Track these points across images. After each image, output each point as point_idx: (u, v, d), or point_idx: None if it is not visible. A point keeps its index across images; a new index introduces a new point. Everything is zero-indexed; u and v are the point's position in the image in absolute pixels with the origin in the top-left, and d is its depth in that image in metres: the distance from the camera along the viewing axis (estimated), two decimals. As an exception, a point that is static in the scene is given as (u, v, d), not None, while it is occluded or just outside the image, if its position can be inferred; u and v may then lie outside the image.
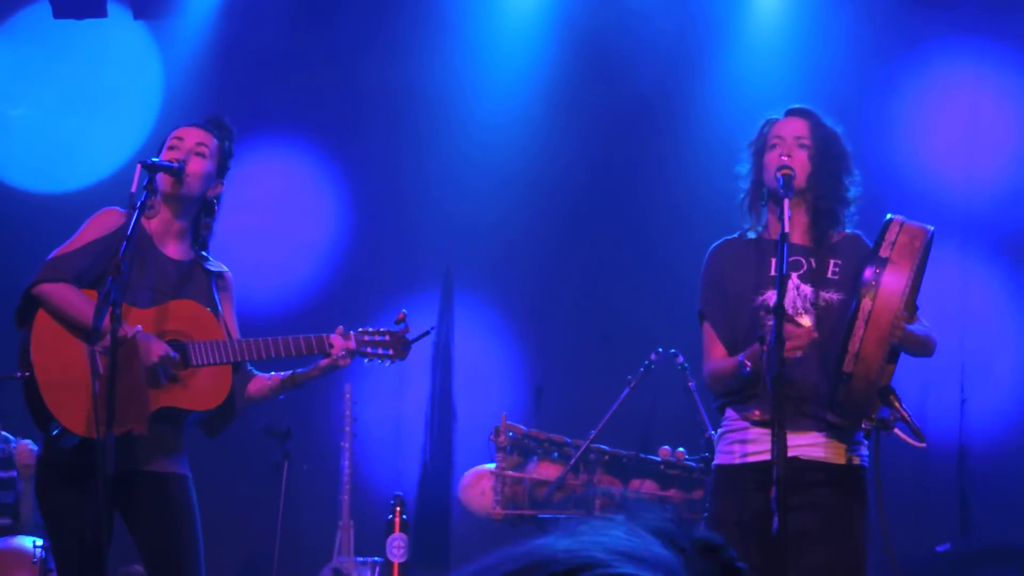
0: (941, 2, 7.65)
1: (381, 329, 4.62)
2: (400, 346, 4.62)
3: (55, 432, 4.36)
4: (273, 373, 4.64)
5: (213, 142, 4.60)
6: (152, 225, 4.54)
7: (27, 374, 4.40)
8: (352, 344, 4.53)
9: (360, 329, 4.58)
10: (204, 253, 4.66)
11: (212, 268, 4.64)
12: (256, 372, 4.64)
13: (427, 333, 4.72)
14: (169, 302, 4.48)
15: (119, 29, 8.10)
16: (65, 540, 4.38)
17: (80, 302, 4.36)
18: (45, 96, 8.12)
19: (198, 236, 4.64)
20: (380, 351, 4.59)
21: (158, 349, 4.32)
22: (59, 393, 4.35)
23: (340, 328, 4.55)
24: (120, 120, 8.00)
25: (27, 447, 6.50)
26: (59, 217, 5.57)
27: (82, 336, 4.26)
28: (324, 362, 4.53)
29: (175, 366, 4.38)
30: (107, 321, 4.07)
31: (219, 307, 4.60)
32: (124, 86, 8.08)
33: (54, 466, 4.41)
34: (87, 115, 8.05)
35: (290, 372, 4.61)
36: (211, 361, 4.43)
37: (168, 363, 4.34)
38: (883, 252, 3.98)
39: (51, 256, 4.48)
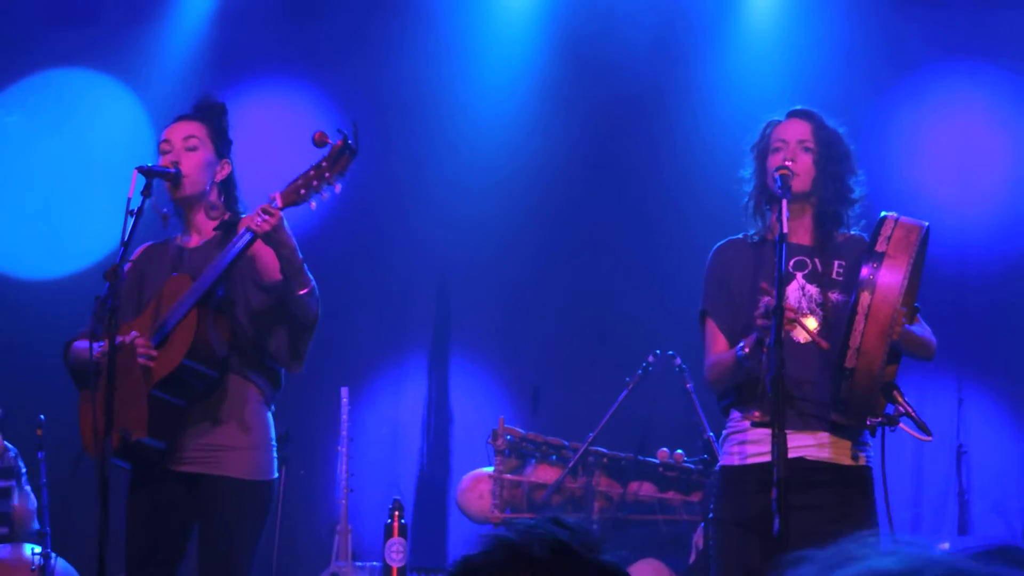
0: (932, 27, 7.64)
1: (311, 165, 4.24)
2: (334, 160, 4.21)
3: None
4: None
5: (202, 129, 4.51)
6: (183, 234, 4.55)
7: (83, 451, 4.38)
8: (268, 203, 4.18)
9: (288, 183, 4.25)
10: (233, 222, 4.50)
11: (226, 227, 4.48)
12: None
13: (349, 133, 4.22)
14: (159, 291, 4.41)
15: (109, 97, 8.13)
16: (134, 547, 4.33)
17: (84, 343, 4.35)
18: (36, 179, 8.11)
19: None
20: (315, 183, 4.22)
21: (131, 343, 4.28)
22: (85, 426, 4.37)
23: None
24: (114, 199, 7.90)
25: (25, 507, 6.48)
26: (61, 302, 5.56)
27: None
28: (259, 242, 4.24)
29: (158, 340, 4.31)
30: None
31: (239, 261, 4.33)
32: (116, 160, 8.03)
33: (135, 476, 4.38)
34: (79, 195, 8.05)
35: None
36: (179, 317, 4.29)
37: (139, 347, 4.27)
38: (879, 247, 3.98)
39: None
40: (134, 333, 4.29)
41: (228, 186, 4.57)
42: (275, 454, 4.52)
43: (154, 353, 4.29)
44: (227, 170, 4.55)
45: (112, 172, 7.98)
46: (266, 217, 4.16)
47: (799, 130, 4.37)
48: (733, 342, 4.29)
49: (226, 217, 4.52)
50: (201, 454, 4.37)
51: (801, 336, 4.17)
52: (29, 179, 8.21)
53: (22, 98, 8.25)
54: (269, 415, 4.51)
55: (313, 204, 4.25)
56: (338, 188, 4.26)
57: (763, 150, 4.42)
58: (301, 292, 4.31)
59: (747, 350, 4.07)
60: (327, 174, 4.23)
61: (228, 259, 4.27)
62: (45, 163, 8.19)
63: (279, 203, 4.20)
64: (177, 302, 4.32)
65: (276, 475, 4.52)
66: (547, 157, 7.90)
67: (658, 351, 6.54)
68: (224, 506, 4.38)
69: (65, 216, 8.14)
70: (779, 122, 4.44)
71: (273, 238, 4.20)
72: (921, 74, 7.70)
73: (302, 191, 4.22)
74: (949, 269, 7.22)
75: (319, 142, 4.21)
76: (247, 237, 4.25)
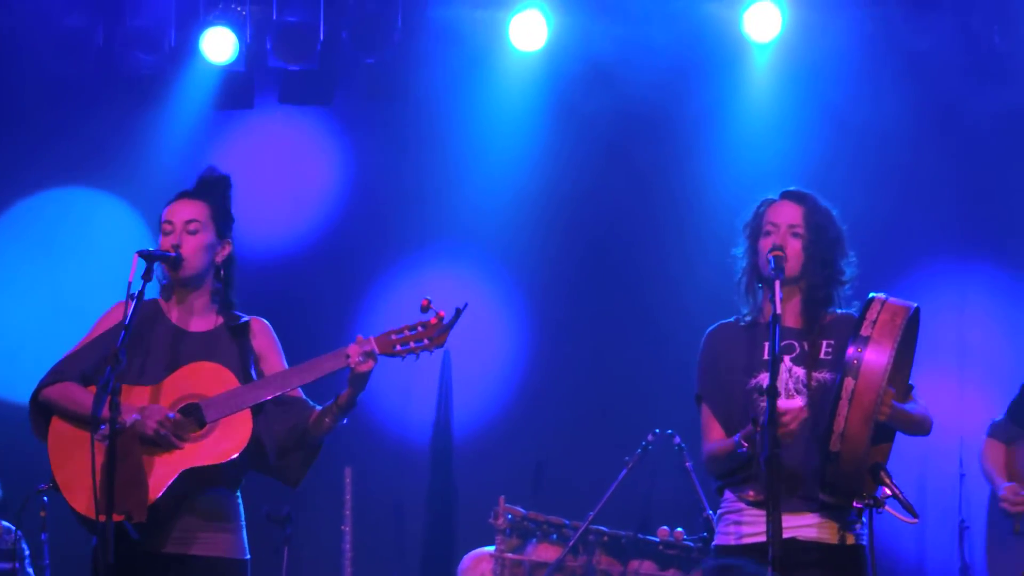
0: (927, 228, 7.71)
1: (408, 324, 4.39)
2: (436, 332, 4.36)
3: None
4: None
5: (204, 211, 4.50)
6: (171, 305, 4.54)
7: (48, 485, 4.34)
8: (371, 347, 4.31)
9: (383, 332, 4.38)
10: (234, 312, 4.57)
11: (239, 324, 4.54)
12: (316, 407, 4.45)
13: (460, 312, 4.35)
14: (180, 368, 4.40)
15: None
16: None
17: (83, 396, 4.33)
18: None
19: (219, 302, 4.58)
20: (413, 344, 4.34)
21: (156, 415, 4.25)
22: (74, 487, 4.30)
23: (359, 336, 4.36)
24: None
25: None
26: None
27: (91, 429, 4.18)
28: (349, 374, 4.34)
29: (185, 428, 4.30)
30: (106, 410, 4.05)
31: (251, 362, 4.48)
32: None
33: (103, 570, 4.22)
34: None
35: (332, 400, 4.41)
36: (226, 412, 4.31)
37: (169, 425, 4.26)
38: (864, 331, 3.98)
39: (58, 360, 4.48)
40: (135, 416, 4.28)
41: (228, 266, 4.59)
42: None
43: (192, 435, 4.30)
44: (227, 250, 4.57)
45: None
46: (369, 361, 4.30)
47: (790, 214, 4.38)
48: (727, 426, 4.31)
49: (227, 301, 4.57)
50: (182, 534, 4.35)
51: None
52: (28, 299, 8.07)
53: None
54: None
55: (403, 359, 4.38)
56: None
57: (755, 231, 4.44)
58: (345, 420, 4.44)
59: (746, 446, 4.11)
60: (426, 340, 4.36)
61: (306, 381, 4.36)
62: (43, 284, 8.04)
63: (377, 350, 4.32)
64: (225, 395, 4.32)
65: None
66: (547, 235, 7.95)
67: (657, 430, 6.56)
68: None
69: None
70: (772, 202, 4.45)
71: (364, 380, 4.34)
72: (919, 275, 7.72)
73: (397, 347, 4.35)
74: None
75: (424, 308, 4.33)
76: (334, 365, 4.34)
